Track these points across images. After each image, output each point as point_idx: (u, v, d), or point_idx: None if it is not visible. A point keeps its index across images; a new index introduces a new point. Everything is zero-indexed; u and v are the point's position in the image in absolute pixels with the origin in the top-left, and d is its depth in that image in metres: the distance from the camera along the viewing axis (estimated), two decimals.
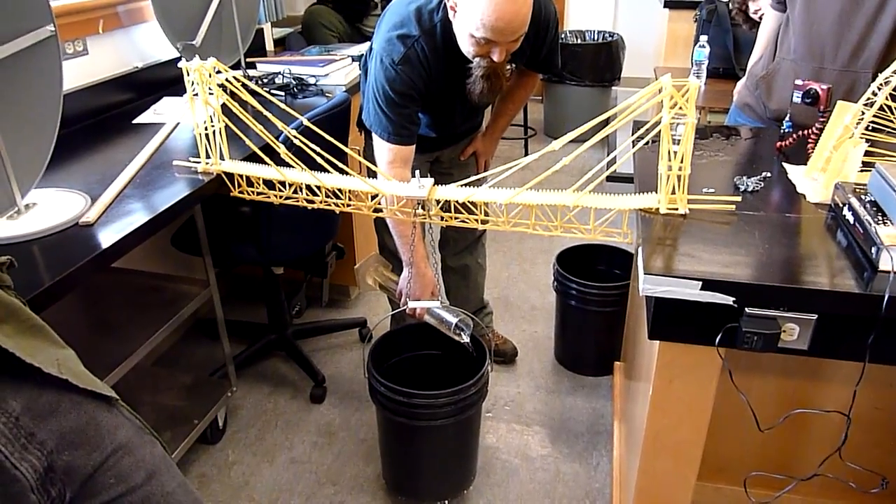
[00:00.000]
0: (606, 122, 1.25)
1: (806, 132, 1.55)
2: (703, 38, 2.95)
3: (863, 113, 1.33)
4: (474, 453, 1.87)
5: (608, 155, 3.76)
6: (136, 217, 1.46)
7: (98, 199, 1.51)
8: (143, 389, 2.05)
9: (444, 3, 1.59)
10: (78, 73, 2.07)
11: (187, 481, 0.94)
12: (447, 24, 1.61)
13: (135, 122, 2.08)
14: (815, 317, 1.05)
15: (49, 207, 1.46)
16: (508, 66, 1.65)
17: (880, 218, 1.12)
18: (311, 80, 2.47)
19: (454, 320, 1.72)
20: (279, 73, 2.49)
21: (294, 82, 2.43)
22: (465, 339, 1.73)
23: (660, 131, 1.23)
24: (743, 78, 2.15)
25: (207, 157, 1.64)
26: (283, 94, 2.37)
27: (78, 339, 0.89)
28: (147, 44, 2.36)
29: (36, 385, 0.78)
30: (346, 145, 1.59)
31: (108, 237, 1.37)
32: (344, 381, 2.37)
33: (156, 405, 1.98)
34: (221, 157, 1.65)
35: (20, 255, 0.85)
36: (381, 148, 1.70)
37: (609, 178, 1.40)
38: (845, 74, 1.78)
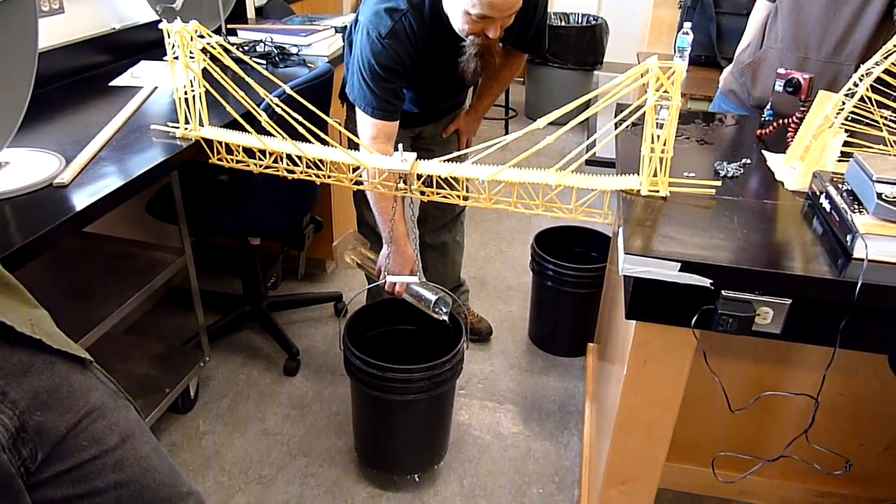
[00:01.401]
0: (588, 105, 1.25)
1: (786, 121, 1.56)
2: (687, 25, 2.96)
3: (843, 103, 1.35)
4: (446, 429, 1.88)
5: (588, 138, 3.77)
6: (111, 180, 1.43)
7: (73, 161, 1.47)
8: (114, 356, 2.02)
9: None
10: (53, 31, 2.02)
11: (160, 446, 0.93)
12: (435, 0, 1.59)
13: (111, 84, 2.03)
14: (789, 301, 1.07)
15: (22, 167, 1.42)
16: (498, 44, 1.64)
17: (856, 207, 1.14)
18: (294, 50, 2.43)
19: (434, 298, 1.72)
20: (261, 41, 2.44)
21: (276, 51, 2.39)
22: (444, 317, 1.73)
23: (642, 115, 1.23)
24: (729, 65, 2.17)
25: (186, 122, 1.61)
26: (264, 62, 2.33)
27: (49, 303, 0.87)
28: (125, 5, 2.30)
29: (8, 344, 0.76)
30: (328, 117, 1.57)
31: (82, 200, 1.34)
32: (318, 354, 2.36)
33: (127, 373, 1.96)
34: (201, 123, 1.62)
35: None
36: (365, 123, 1.69)
37: (588, 162, 1.40)
38: (829, 66, 1.81)
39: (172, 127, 1.64)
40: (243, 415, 2.09)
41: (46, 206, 1.31)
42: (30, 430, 0.76)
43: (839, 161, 1.33)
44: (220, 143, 1.61)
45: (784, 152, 1.50)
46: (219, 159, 1.63)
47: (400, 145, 1.48)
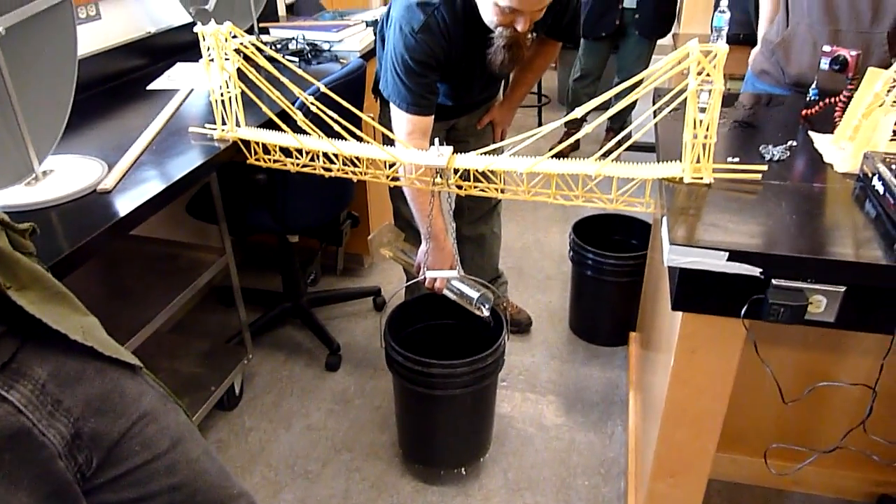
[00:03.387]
0: (626, 92, 1.23)
1: (833, 100, 1.51)
2: (724, 2, 2.87)
3: (895, 80, 1.29)
4: (490, 422, 1.88)
5: (624, 125, 3.71)
6: (153, 184, 1.45)
7: (115, 167, 1.50)
8: (160, 356, 2.06)
9: None
10: (91, 38, 2.05)
11: (211, 448, 0.94)
12: None
13: (149, 88, 2.06)
14: (843, 289, 1.04)
15: (66, 174, 1.45)
16: (529, 35, 1.62)
17: None
18: (325, 46, 2.44)
19: (476, 295, 1.72)
20: (293, 38, 2.45)
21: (308, 48, 2.39)
22: (486, 313, 1.72)
23: (683, 100, 1.20)
24: (757, 45, 2.12)
25: (223, 123, 1.63)
26: (297, 59, 2.34)
27: (95, 306, 0.88)
28: (160, 8, 2.33)
29: (61, 352, 0.77)
30: (362, 112, 1.57)
31: (125, 205, 1.36)
32: (358, 349, 2.38)
33: (173, 371, 2.00)
34: (237, 124, 1.63)
35: (38, 222, 0.84)
36: (400, 118, 1.68)
37: (627, 147, 1.38)
38: (861, 37, 1.77)
39: (210, 129, 1.66)
40: (287, 410, 2.11)
41: (92, 212, 1.34)
42: (84, 437, 0.77)
43: (891, 140, 1.29)
44: (257, 143, 1.62)
45: (832, 133, 1.45)
46: (256, 159, 1.64)
47: (436, 140, 1.47)
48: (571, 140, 1.29)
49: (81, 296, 0.86)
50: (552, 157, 1.33)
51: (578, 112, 1.27)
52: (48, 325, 0.73)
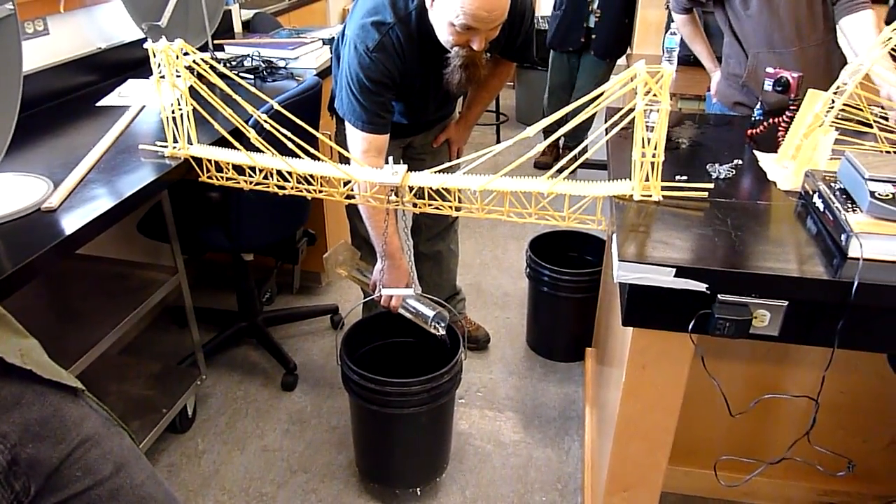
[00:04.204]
0: (578, 111, 1.25)
1: (777, 120, 1.56)
2: (675, 24, 2.95)
3: (833, 101, 1.34)
4: (447, 440, 1.87)
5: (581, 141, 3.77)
6: (100, 203, 1.42)
7: (61, 184, 1.46)
8: (110, 379, 2.01)
9: None
10: (38, 53, 2.01)
11: (157, 472, 0.92)
12: (422, 12, 1.58)
13: (98, 104, 2.02)
14: (785, 303, 1.07)
15: (9, 192, 1.41)
16: (485, 55, 1.64)
17: (849, 205, 1.13)
18: (281, 63, 2.43)
19: (431, 314, 1.72)
20: (248, 55, 2.44)
21: (263, 65, 2.38)
22: (442, 331, 1.72)
23: (633, 119, 1.22)
24: (717, 78, 2.16)
25: (175, 141, 1.60)
26: (252, 77, 2.32)
27: (42, 327, 0.86)
28: (111, 24, 2.29)
29: None
30: (318, 130, 1.56)
31: (71, 223, 1.33)
32: (315, 368, 2.35)
33: (123, 394, 1.95)
34: (189, 142, 1.61)
35: None
36: (355, 137, 1.68)
37: (581, 165, 1.40)
38: (821, 47, 1.88)
39: (161, 146, 1.63)
40: (242, 432, 2.07)
41: (35, 231, 1.30)
42: (22, 463, 0.75)
43: (831, 159, 1.33)
44: (209, 161, 1.60)
45: (775, 152, 1.49)
46: (208, 177, 1.62)
47: (390, 158, 1.47)
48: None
49: (26, 317, 0.83)
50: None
51: (530, 131, 1.28)
52: None
